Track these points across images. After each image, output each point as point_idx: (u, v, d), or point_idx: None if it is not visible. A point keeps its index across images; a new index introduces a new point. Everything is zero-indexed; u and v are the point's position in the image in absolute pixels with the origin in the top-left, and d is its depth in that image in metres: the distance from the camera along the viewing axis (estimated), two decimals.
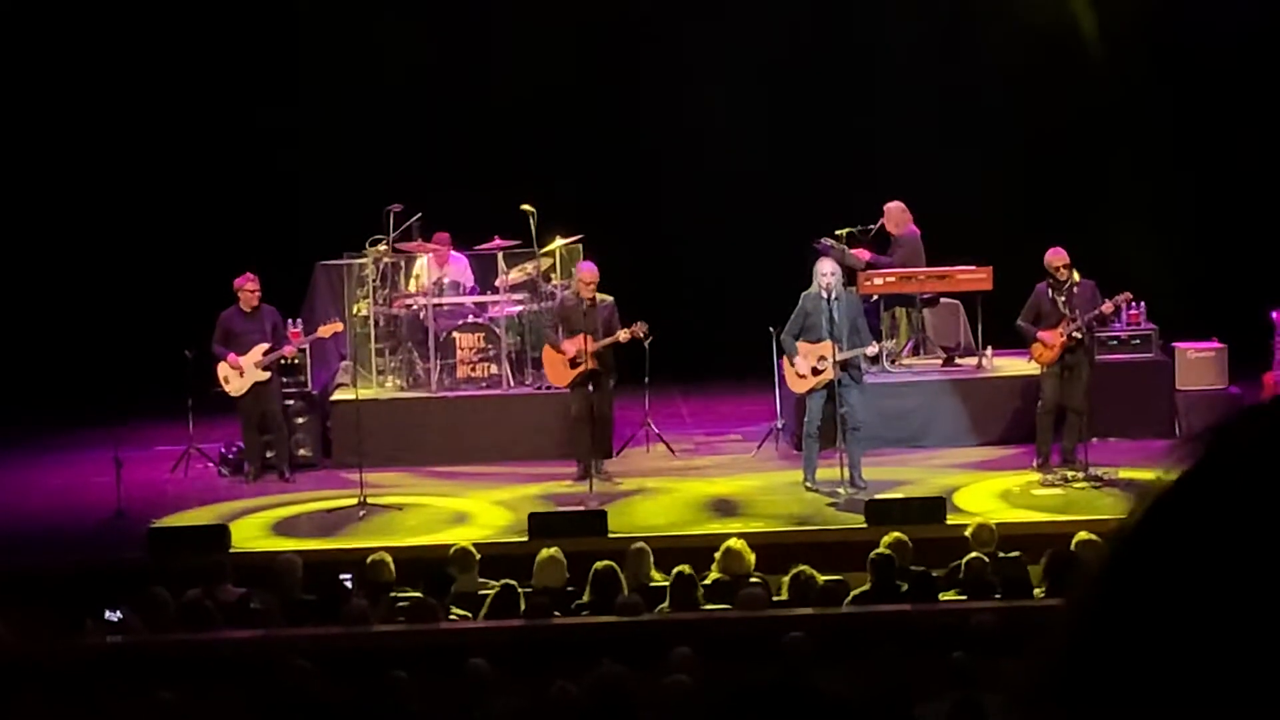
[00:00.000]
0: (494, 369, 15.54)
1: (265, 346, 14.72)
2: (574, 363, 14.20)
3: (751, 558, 10.81)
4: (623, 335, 14.09)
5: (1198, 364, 15.35)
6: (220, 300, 14.92)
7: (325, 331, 15.09)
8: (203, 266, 16.43)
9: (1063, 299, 14.07)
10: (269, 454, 14.89)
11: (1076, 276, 14.20)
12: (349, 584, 10.86)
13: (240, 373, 14.67)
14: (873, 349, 13.95)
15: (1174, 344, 15.48)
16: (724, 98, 18.17)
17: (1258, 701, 0.90)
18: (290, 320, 15.35)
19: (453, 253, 15.97)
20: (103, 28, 18.29)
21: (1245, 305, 15.54)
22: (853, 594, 10.28)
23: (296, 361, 15.29)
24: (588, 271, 14.31)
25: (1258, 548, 0.92)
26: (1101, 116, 18.35)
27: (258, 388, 14.72)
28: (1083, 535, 10.72)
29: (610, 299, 14.29)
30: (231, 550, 12.21)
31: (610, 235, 15.77)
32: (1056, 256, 14.09)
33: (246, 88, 18.21)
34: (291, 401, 15.14)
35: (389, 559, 10.92)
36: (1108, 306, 14.25)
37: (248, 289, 14.76)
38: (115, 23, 18.25)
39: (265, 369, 14.72)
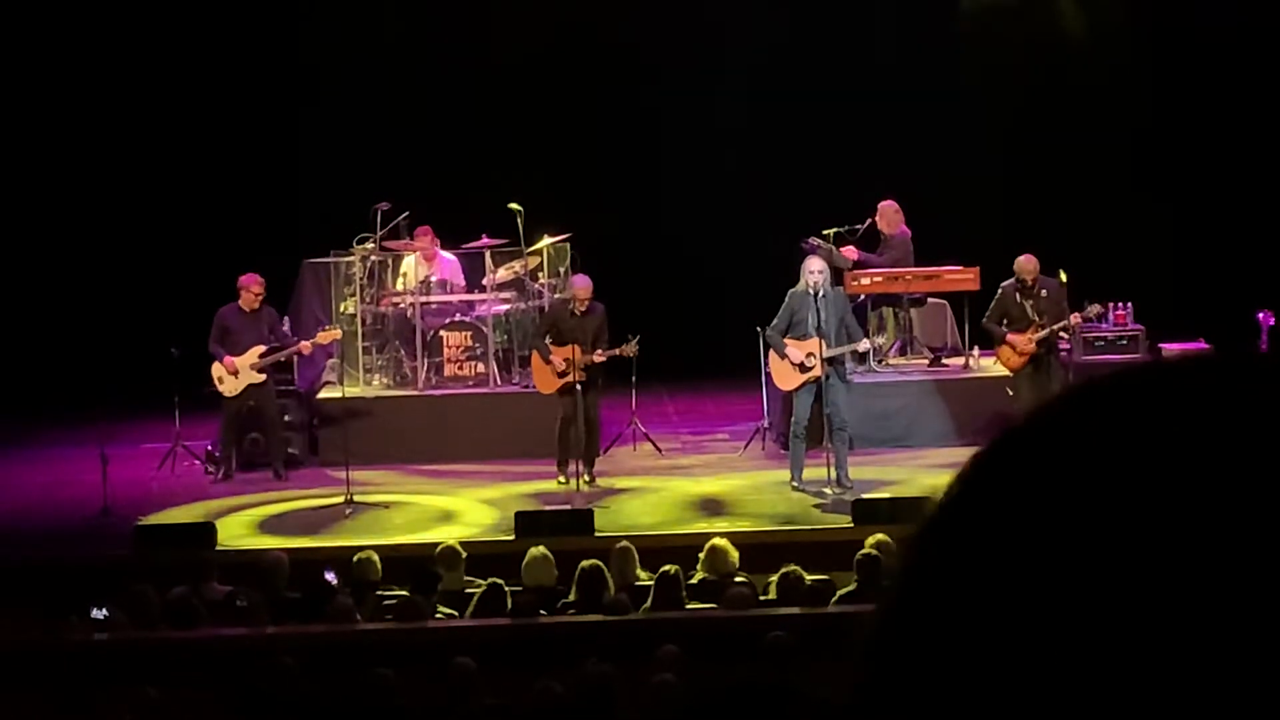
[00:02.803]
0: (481, 367, 15.54)
1: (262, 349, 14.65)
2: (561, 374, 14.16)
3: (736, 555, 10.83)
4: (610, 353, 14.02)
5: None
6: (207, 297, 14.88)
7: (324, 338, 15.06)
8: (190, 264, 16.39)
9: (1030, 303, 14.07)
10: (246, 448, 14.84)
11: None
12: (332, 579, 10.85)
13: (235, 374, 14.61)
14: (864, 345, 13.96)
15: (1160, 344, 15.49)
16: (712, 96, 18.17)
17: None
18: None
19: (446, 254, 15.95)
20: (91, 23, 18.24)
21: (1232, 306, 15.56)
22: (839, 594, 10.30)
23: (283, 360, 15.25)
24: (581, 288, 14.25)
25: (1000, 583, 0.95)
26: (1090, 116, 18.36)
27: (251, 389, 14.67)
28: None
29: (601, 306, 14.25)
30: (218, 548, 12.20)
31: (597, 235, 15.76)
32: (1028, 263, 14.12)
33: (235, 86, 18.17)
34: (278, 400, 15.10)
35: (376, 557, 10.92)
36: (1075, 320, 14.24)
37: (253, 290, 14.63)
38: (103, 18, 18.21)
39: (261, 370, 14.66)
